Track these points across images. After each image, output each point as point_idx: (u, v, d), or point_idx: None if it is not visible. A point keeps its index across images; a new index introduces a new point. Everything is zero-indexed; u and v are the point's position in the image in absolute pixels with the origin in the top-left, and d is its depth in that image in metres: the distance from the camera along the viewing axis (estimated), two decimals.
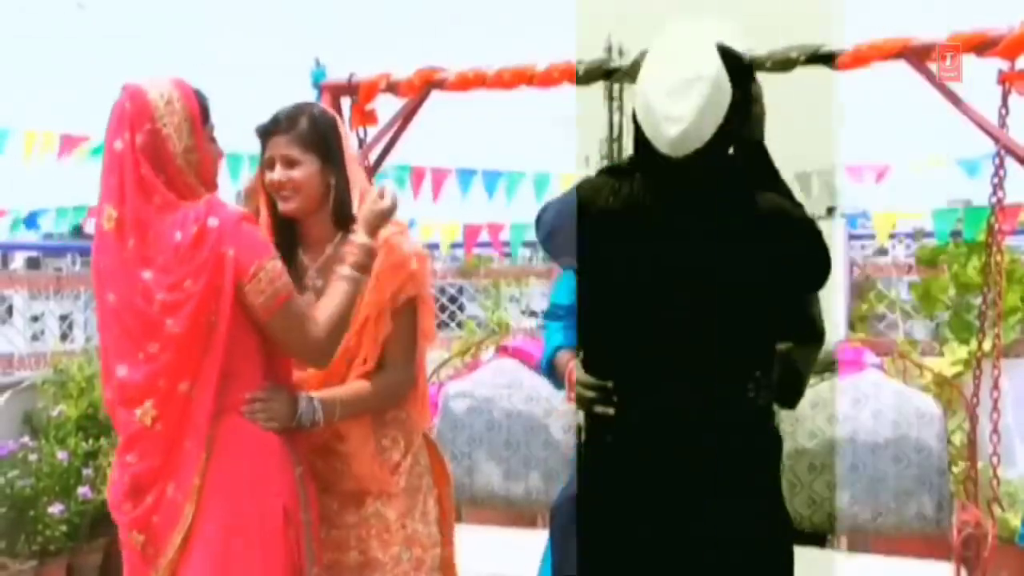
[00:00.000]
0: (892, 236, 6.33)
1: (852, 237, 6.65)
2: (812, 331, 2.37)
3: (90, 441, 4.39)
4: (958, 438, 3.82)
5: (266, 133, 2.47)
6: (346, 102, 3.90)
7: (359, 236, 2.36)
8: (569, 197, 2.24)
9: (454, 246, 6.71)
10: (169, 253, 2.15)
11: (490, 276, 6.95)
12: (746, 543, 2.08)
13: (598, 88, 3.66)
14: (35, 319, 6.39)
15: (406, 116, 3.85)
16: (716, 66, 2.03)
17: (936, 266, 5.05)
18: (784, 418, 3.42)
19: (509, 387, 4.02)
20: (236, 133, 3.16)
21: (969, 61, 3.11)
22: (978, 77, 3.18)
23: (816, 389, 3.53)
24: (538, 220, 2.32)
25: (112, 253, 2.18)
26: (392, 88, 3.83)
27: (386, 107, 3.89)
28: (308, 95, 3.93)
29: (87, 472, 4.26)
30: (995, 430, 3.44)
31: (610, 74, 3.59)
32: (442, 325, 6.58)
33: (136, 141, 2.16)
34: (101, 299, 2.23)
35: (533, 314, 7.17)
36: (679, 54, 2.06)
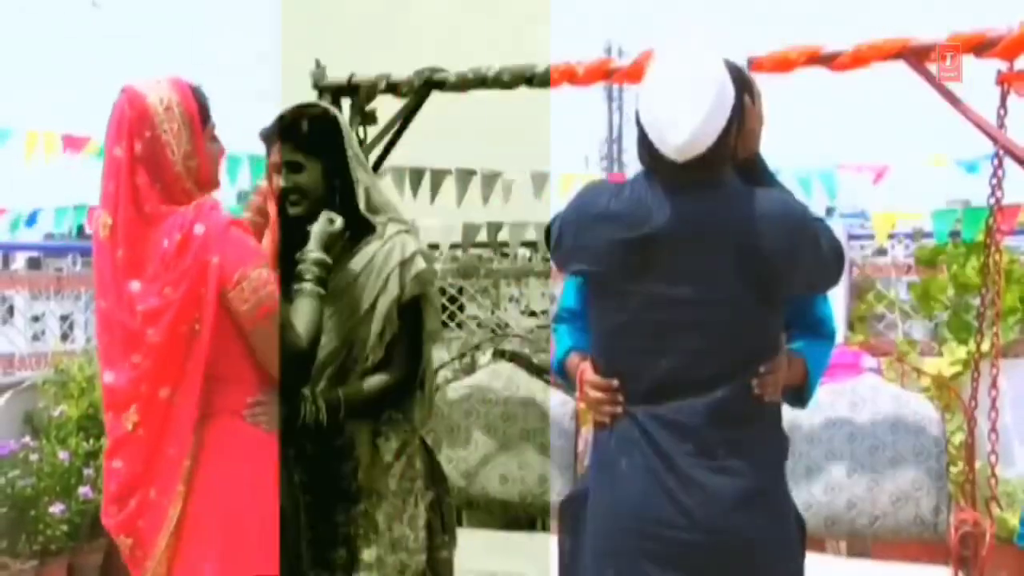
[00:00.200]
0: (891, 236, 6.33)
1: (851, 237, 6.65)
2: (823, 330, 2.37)
3: (91, 441, 4.39)
4: (958, 439, 3.83)
5: (269, 138, 2.48)
6: (346, 102, 3.91)
7: (315, 253, 2.37)
8: (573, 204, 2.26)
9: (453, 246, 6.71)
10: (157, 261, 2.16)
11: (490, 276, 6.94)
12: (755, 541, 2.09)
13: (598, 88, 3.67)
14: (36, 319, 6.40)
15: (406, 117, 3.86)
16: (721, 71, 2.05)
17: (935, 266, 5.06)
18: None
19: (506, 390, 4.02)
20: (236, 133, 3.16)
21: (968, 62, 3.12)
22: (977, 78, 3.19)
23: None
24: (547, 233, 2.34)
25: (105, 261, 2.19)
26: (392, 89, 3.83)
27: (386, 108, 3.90)
28: (308, 95, 3.94)
29: (88, 472, 4.27)
30: (993, 428, 3.45)
31: (609, 75, 3.60)
32: (442, 325, 6.57)
33: (135, 148, 2.17)
34: (97, 305, 2.25)
35: (533, 314, 7.16)
36: (684, 59, 2.07)
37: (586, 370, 2.27)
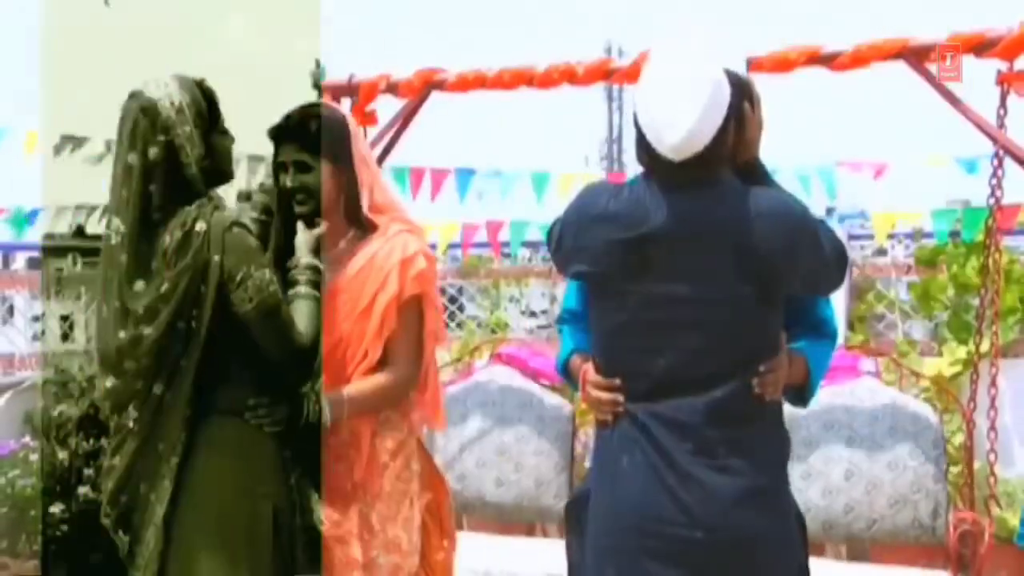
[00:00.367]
0: (891, 236, 6.34)
1: (851, 237, 6.66)
2: (825, 330, 2.37)
3: (91, 441, 4.39)
4: (959, 439, 3.83)
5: (278, 138, 2.49)
6: (346, 103, 3.91)
7: (305, 258, 2.39)
8: (572, 206, 2.26)
9: (453, 246, 6.71)
10: (158, 258, 2.17)
11: (490, 276, 6.95)
12: (755, 538, 2.09)
13: (598, 89, 3.68)
14: (36, 319, 6.39)
15: (406, 117, 3.86)
16: (716, 70, 2.06)
17: (935, 266, 5.06)
18: None
19: (502, 394, 4.03)
20: (236, 133, 3.16)
21: (968, 62, 3.12)
22: (977, 78, 3.19)
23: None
24: (548, 236, 2.35)
25: (113, 265, 2.20)
26: (392, 89, 3.84)
27: (386, 108, 3.91)
28: (308, 95, 3.95)
29: (88, 472, 4.27)
30: (992, 427, 3.45)
31: (609, 75, 3.61)
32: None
33: (149, 154, 2.18)
34: (100, 310, 2.26)
35: (533, 314, 7.17)
36: (681, 58, 2.08)
37: (588, 370, 2.28)
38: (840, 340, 3.46)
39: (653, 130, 2.07)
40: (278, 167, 2.50)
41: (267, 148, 2.55)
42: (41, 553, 4.10)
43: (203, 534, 2.20)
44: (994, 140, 3.23)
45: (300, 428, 2.36)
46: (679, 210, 2.08)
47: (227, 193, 2.42)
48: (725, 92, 2.06)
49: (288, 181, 2.46)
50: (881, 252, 7.09)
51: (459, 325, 6.75)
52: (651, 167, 2.14)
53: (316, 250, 2.45)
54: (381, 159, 3.99)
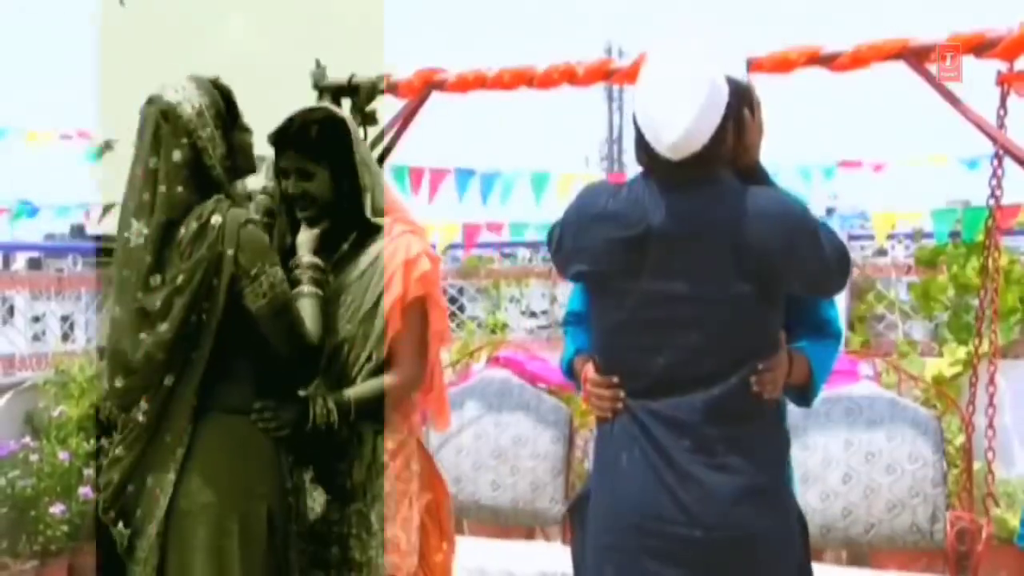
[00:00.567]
0: (891, 237, 6.34)
1: (851, 238, 6.67)
2: (829, 330, 2.37)
3: (91, 441, 4.39)
4: (960, 440, 3.83)
5: (278, 143, 2.49)
6: (346, 103, 3.91)
7: (307, 257, 2.42)
8: (572, 206, 2.27)
9: (453, 247, 6.71)
10: (174, 252, 2.18)
11: (490, 277, 6.95)
12: (755, 537, 2.09)
13: (598, 89, 3.68)
14: (36, 320, 6.39)
15: (406, 117, 3.86)
16: (714, 70, 2.07)
17: (935, 267, 5.06)
18: None
19: (499, 397, 4.03)
20: None
21: (968, 62, 3.12)
22: (977, 78, 3.19)
23: None
24: (548, 238, 2.35)
25: (132, 267, 2.21)
26: (392, 89, 3.84)
27: (386, 109, 3.90)
28: (308, 96, 3.95)
29: (88, 472, 4.27)
30: (990, 425, 3.45)
31: (610, 76, 3.61)
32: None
33: (173, 158, 2.19)
34: (113, 311, 2.26)
35: (533, 315, 7.17)
36: (678, 58, 2.08)
37: (589, 369, 2.28)
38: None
39: (651, 129, 2.08)
40: (279, 172, 2.51)
41: (268, 148, 2.55)
42: (41, 553, 4.11)
43: (198, 531, 2.20)
44: (994, 140, 3.23)
45: (306, 432, 2.36)
46: (678, 209, 2.09)
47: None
48: (723, 92, 2.07)
49: (290, 188, 2.48)
50: (881, 252, 7.10)
51: (459, 325, 6.75)
52: (650, 167, 2.14)
53: (317, 250, 2.46)
54: (381, 160, 3.99)
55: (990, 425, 3.45)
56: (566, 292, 4.81)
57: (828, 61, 3.29)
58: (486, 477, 3.93)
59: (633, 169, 2.26)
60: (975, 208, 4.67)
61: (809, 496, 3.47)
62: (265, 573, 2.24)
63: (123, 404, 2.24)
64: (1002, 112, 3.18)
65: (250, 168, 2.38)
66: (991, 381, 3.49)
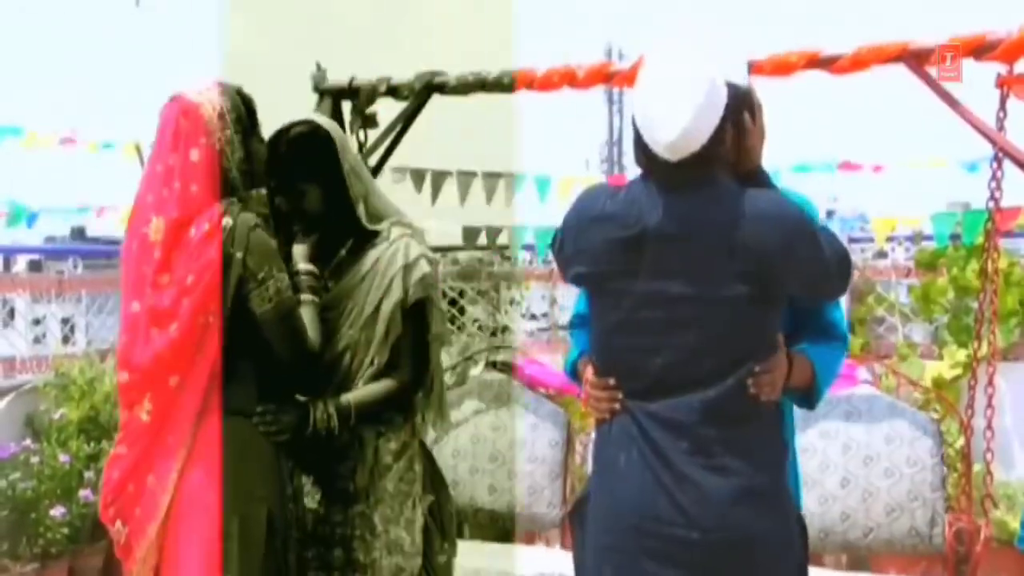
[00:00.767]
0: (891, 239, 6.34)
1: (851, 240, 6.67)
2: (834, 333, 2.37)
3: (91, 444, 4.40)
4: (961, 442, 3.83)
5: (268, 161, 2.49)
6: (346, 105, 3.92)
7: (302, 265, 2.43)
8: (571, 209, 2.28)
9: (453, 249, 6.71)
10: (184, 252, 2.19)
11: (491, 279, 6.95)
12: (752, 538, 2.09)
13: (598, 91, 3.68)
14: (37, 322, 6.39)
15: (406, 119, 3.87)
16: (712, 70, 2.07)
17: (935, 269, 5.06)
18: None
19: (497, 400, 4.03)
20: None
21: (968, 65, 3.12)
22: (977, 81, 3.19)
23: None
24: (552, 243, 2.36)
25: (147, 262, 2.22)
26: (392, 91, 3.84)
27: (387, 111, 3.91)
28: (309, 98, 3.95)
29: (88, 475, 4.27)
30: (989, 426, 3.45)
31: (609, 78, 3.61)
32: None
33: (191, 156, 2.21)
34: (126, 307, 2.26)
35: (533, 317, 7.17)
36: (676, 59, 2.09)
37: (589, 371, 2.29)
38: None
39: (648, 129, 2.08)
40: (271, 190, 2.51)
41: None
42: (41, 556, 4.11)
43: (196, 533, 2.20)
44: (993, 143, 3.23)
45: (307, 436, 2.37)
46: (675, 210, 2.09)
47: None
48: (721, 93, 2.07)
49: (283, 206, 2.49)
50: (881, 255, 7.10)
51: (460, 328, 6.75)
52: (648, 168, 2.15)
53: (313, 258, 2.47)
54: (382, 162, 3.99)
55: (989, 427, 3.45)
56: (566, 295, 4.82)
57: (828, 64, 3.29)
58: (484, 481, 3.93)
59: (633, 171, 2.27)
60: (975, 211, 4.67)
61: (808, 500, 3.46)
62: (262, 574, 2.24)
63: (129, 400, 2.24)
64: (1002, 115, 3.19)
65: (261, 179, 2.39)
66: (990, 383, 3.49)
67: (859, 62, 3.23)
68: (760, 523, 2.10)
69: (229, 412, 2.27)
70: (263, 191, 2.42)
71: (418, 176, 4.43)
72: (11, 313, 6.21)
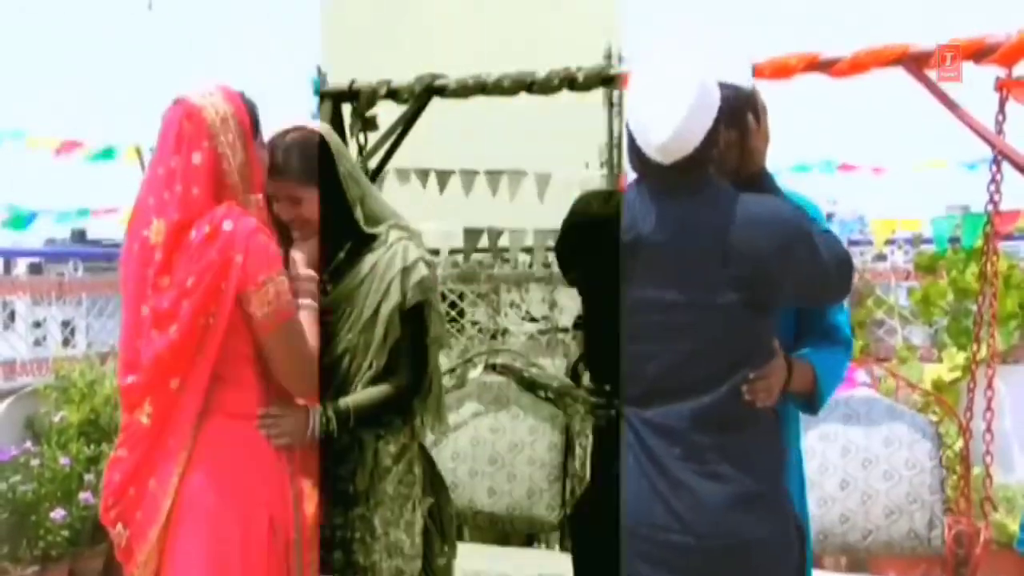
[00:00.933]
0: (891, 242, 6.35)
1: (851, 243, 6.68)
2: (837, 336, 2.36)
3: (92, 446, 4.40)
4: (959, 445, 3.84)
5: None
6: (347, 108, 3.92)
7: (303, 270, 2.43)
8: (568, 215, 2.27)
9: (453, 252, 6.71)
10: (184, 255, 2.19)
11: (490, 282, 6.94)
12: (749, 543, 2.09)
13: (597, 94, 3.68)
14: (37, 325, 6.40)
15: (407, 122, 3.87)
16: (703, 71, 2.05)
17: (935, 272, 5.07)
18: None
19: (496, 403, 4.03)
20: None
21: (967, 68, 3.13)
22: (976, 83, 3.20)
23: None
24: (555, 249, 2.36)
25: (149, 265, 2.22)
26: (392, 94, 3.85)
27: (387, 113, 3.92)
28: (309, 101, 3.97)
29: (88, 477, 4.28)
30: (988, 430, 3.46)
31: (609, 80, 3.62)
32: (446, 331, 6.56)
33: (193, 159, 2.21)
34: (131, 309, 2.26)
35: (533, 319, 7.16)
36: (668, 62, 2.08)
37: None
38: None
39: (641, 132, 2.07)
40: (268, 198, 2.51)
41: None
42: (41, 558, 4.11)
43: (197, 536, 2.21)
44: (992, 146, 3.24)
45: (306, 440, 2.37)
46: (668, 215, 2.08)
47: None
48: (714, 95, 2.06)
49: (282, 214, 2.49)
50: (881, 258, 7.10)
51: (460, 330, 6.75)
52: (642, 172, 2.14)
53: (311, 263, 2.47)
54: (382, 165, 4.00)
55: (988, 429, 3.45)
56: (566, 297, 4.82)
57: (827, 67, 3.30)
58: (483, 483, 3.93)
59: (632, 175, 2.27)
60: (974, 214, 4.68)
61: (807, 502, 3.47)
62: None
63: (131, 403, 2.24)
64: (1001, 118, 3.19)
65: (260, 189, 2.37)
66: (989, 386, 3.50)
67: (858, 65, 3.24)
68: (756, 529, 2.09)
69: (232, 415, 2.27)
70: (260, 196, 2.41)
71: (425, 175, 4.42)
72: (11, 316, 6.22)
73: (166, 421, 2.21)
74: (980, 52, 3.10)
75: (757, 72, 3.23)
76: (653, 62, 2.11)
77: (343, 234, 2.54)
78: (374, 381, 2.50)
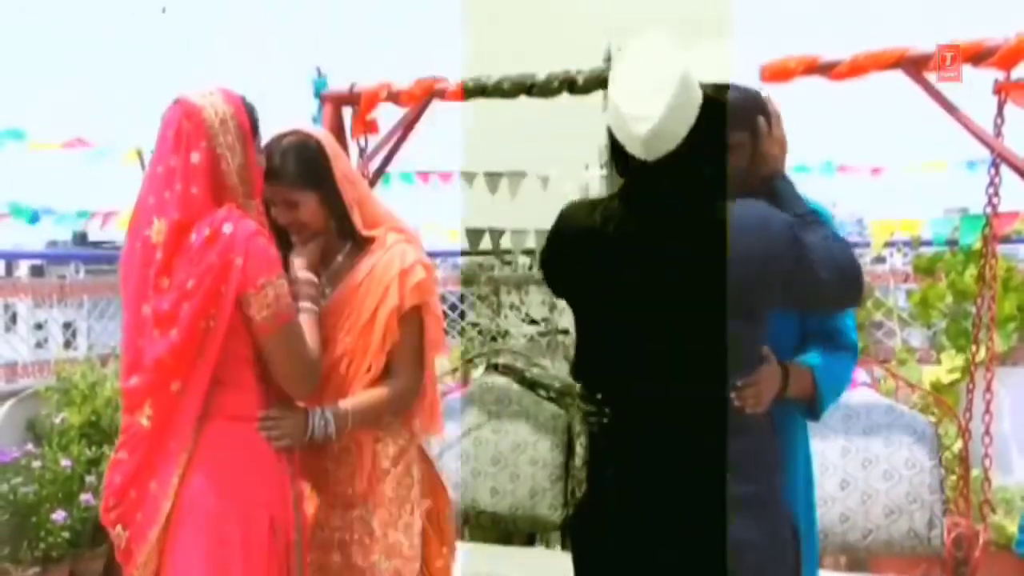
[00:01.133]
0: (890, 244, 6.35)
1: None
2: (840, 341, 2.35)
3: (93, 448, 4.41)
4: (957, 446, 3.84)
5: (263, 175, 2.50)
6: (347, 111, 3.94)
7: (302, 273, 2.43)
8: (553, 226, 2.25)
9: (454, 253, 6.73)
10: (184, 258, 2.20)
11: (491, 284, 6.96)
12: (741, 544, 2.09)
13: (597, 96, 3.69)
14: (39, 327, 6.41)
15: (407, 125, 3.88)
16: (683, 67, 2.01)
17: (933, 274, 5.07)
18: None
19: (498, 403, 4.04)
20: None
21: (966, 71, 3.14)
22: (975, 86, 3.21)
23: None
24: (540, 259, 2.36)
25: (150, 265, 2.22)
26: (393, 97, 3.86)
27: (387, 116, 3.93)
28: (310, 104, 3.98)
29: (90, 479, 4.28)
30: (987, 432, 3.46)
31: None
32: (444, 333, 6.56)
33: (191, 159, 2.21)
34: (133, 309, 2.27)
35: (533, 322, 7.17)
36: (646, 58, 2.05)
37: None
38: None
39: (623, 129, 2.03)
40: (265, 202, 2.51)
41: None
42: (42, 560, 4.11)
43: (198, 538, 2.21)
44: (991, 148, 3.25)
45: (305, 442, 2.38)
46: (653, 223, 2.06)
47: None
48: (696, 90, 2.02)
49: (279, 218, 2.49)
50: (879, 260, 7.11)
51: (460, 332, 6.76)
52: (628, 175, 2.11)
53: (310, 266, 2.48)
54: (383, 168, 4.01)
55: (987, 432, 3.46)
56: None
57: (827, 70, 3.31)
58: (485, 484, 3.94)
59: None
60: (973, 216, 4.69)
61: None
62: None
63: (131, 404, 2.25)
64: (999, 120, 3.20)
65: (258, 192, 2.38)
66: (988, 388, 3.51)
67: (857, 68, 3.25)
68: (747, 532, 2.08)
69: (232, 417, 2.27)
70: (259, 201, 2.41)
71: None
72: (13, 318, 6.24)
73: (167, 423, 2.22)
74: (979, 55, 3.11)
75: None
76: (632, 58, 2.07)
77: (341, 237, 2.55)
78: (372, 384, 2.50)
